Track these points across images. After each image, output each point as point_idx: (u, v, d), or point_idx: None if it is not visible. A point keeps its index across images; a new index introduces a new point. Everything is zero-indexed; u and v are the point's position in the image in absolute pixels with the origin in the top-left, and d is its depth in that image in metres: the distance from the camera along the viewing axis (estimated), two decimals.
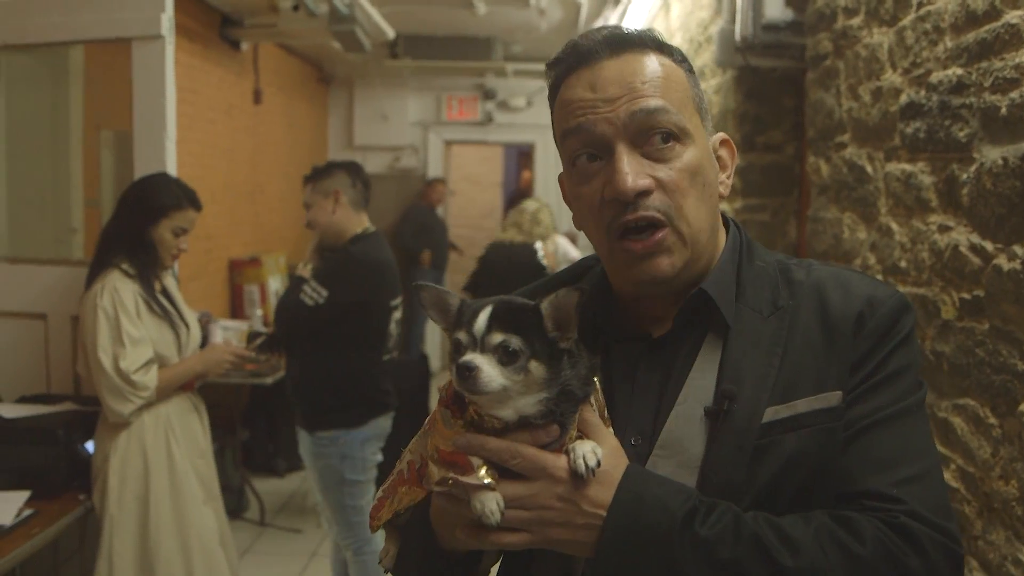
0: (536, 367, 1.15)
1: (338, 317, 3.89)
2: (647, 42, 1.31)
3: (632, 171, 1.24)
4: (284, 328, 4.07)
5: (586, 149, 1.29)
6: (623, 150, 1.25)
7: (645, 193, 1.24)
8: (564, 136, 1.32)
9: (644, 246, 1.26)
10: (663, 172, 1.25)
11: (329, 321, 3.89)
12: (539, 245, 6.14)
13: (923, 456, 1.25)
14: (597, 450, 1.17)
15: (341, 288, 3.87)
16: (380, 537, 4.13)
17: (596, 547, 1.16)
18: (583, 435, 1.20)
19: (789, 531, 1.15)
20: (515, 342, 1.15)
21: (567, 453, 1.18)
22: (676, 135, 1.26)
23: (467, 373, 1.13)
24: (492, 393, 1.14)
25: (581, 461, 1.16)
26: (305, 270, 4.05)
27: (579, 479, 1.16)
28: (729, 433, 1.22)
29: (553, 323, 1.18)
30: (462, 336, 1.17)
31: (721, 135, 1.39)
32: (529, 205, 6.38)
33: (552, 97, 1.37)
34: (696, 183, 1.27)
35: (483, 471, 1.15)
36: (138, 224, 3.46)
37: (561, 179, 1.40)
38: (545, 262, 6.00)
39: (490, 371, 1.13)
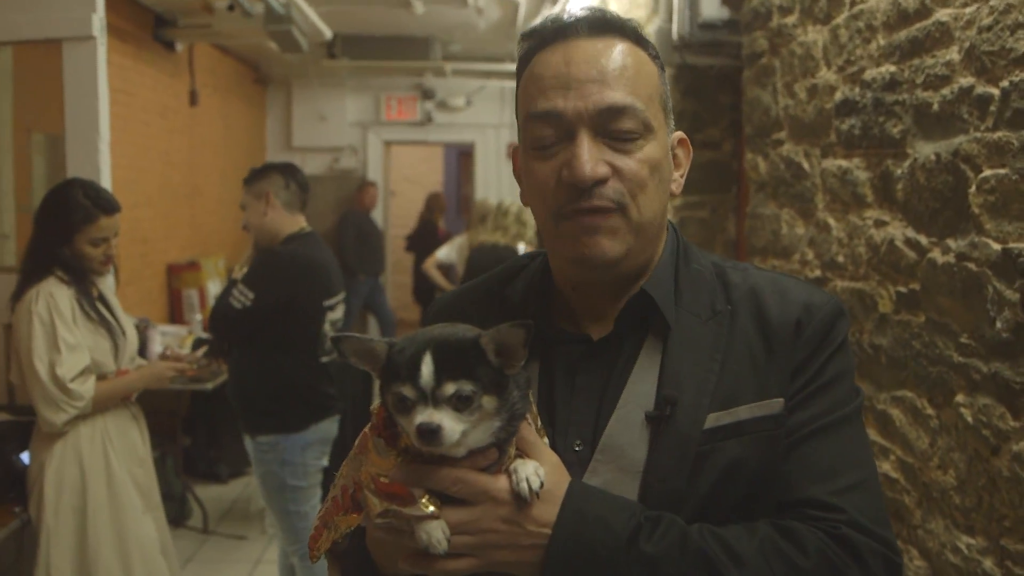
0: (488, 401, 1.12)
1: (266, 319, 3.84)
2: (627, 31, 1.30)
3: (591, 158, 1.22)
4: (217, 332, 4.02)
5: (549, 133, 1.26)
6: (585, 136, 1.23)
7: (601, 181, 1.23)
8: (529, 118, 1.29)
9: (591, 220, 1.24)
10: (622, 162, 1.24)
11: (257, 323, 3.84)
12: (521, 247, 6.14)
13: (861, 465, 1.26)
14: (540, 470, 1.15)
15: (266, 290, 3.83)
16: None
17: (543, 568, 1.15)
18: (521, 452, 1.18)
19: (734, 544, 1.16)
20: (468, 387, 1.10)
21: (508, 474, 1.15)
22: (640, 133, 1.25)
23: (431, 435, 1.08)
24: (454, 443, 1.10)
25: (524, 484, 1.14)
26: (239, 272, 4.01)
27: (522, 501, 1.14)
28: (671, 439, 1.22)
29: (496, 354, 1.14)
30: (407, 391, 1.10)
31: (679, 134, 1.39)
32: (512, 207, 6.35)
33: (521, 69, 1.34)
34: (654, 177, 1.26)
35: (424, 500, 1.13)
36: (54, 241, 3.37)
37: (514, 152, 1.38)
38: None
39: (451, 425, 1.09)
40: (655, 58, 1.33)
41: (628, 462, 1.24)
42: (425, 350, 1.11)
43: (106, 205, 3.41)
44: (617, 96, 1.24)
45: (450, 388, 1.09)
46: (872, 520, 1.20)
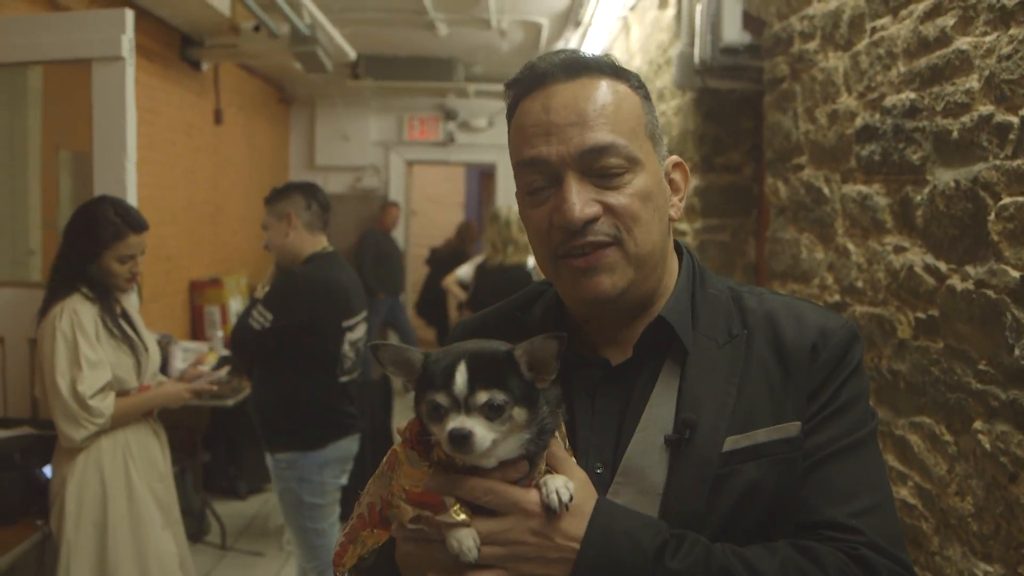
0: (519, 412, 1.15)
1: (284, 340, 3.87)
2: (603, 68, 1.32)
3: (580, 200, 1.25)
4: (237, 352, 4.05)
5: (537, 181, 1.30)
6: (572, 179, 1.26)
7: (592, 221, 1.25)
8: (518, 165, 1.33)
9: (586, 261, 1.26)
10: (612, 198, 1.26)
11: (276, 344, 3.87)
12: (531, 262, 6.09)
13: (878, 488, 1.28)
14: (569, 484, 1.18)
15: (284, 311, 3.85)
16: None
17: None
18: (551, 468, 1.20)
19: (756, 563, 1.18)
20: (500, 397, 1.13)
21: (538, 488, 1.18)
22: (627, 168, 1.27)
23: (462, 441, 1.11)
24: (484, 451, 1.13)
25: (555, 496, 1.16)
26: (261, 292, 4.04)
27: (552, 513, 1.16)
28: (690, 462, 1.24)
29: (528, 366, 1.17)
30: (441, 398, 1.14)
31: (674, 158, 1.40)
32: (510, 216, 6.20)
33: (509, 118, 1.38)
34: (647, 207, 1.28)
35: (455, 508, 1.15)
36: (82, 257, 3.41)
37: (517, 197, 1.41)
38: (537, 278, 5.92)
39: (483, 433, 1.11)
40: (638, 88, 1.34)
41: (648, 484, 1.26)
42: (460, 360, 1.15)
43: (135, 223, 3.47)
44: (598, 136, 1.26)
45: (483, 397, 1.13)
46: (889, 542, 1.22)
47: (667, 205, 1.35)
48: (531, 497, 1.17)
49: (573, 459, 1.25)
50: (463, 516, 1.15)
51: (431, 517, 1.15)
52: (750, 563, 1.18)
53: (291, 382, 3.93)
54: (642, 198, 1.28)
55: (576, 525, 1.17)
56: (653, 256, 1.30)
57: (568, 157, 1.26)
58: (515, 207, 1.46)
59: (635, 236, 1.27)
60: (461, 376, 1.14)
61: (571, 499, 1.17)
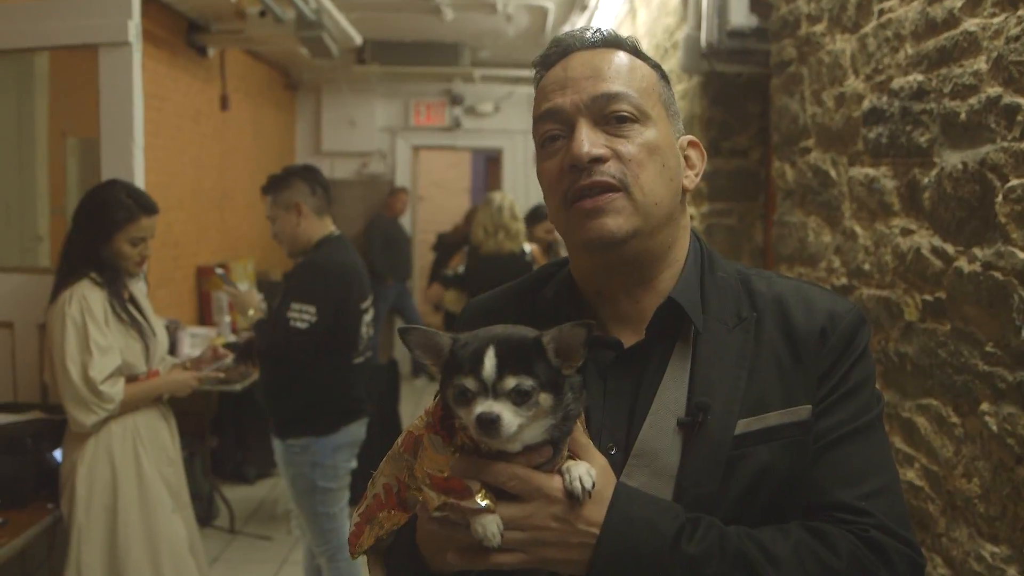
0: (545, 398, 1.16)
1: (328, 328, 3.88)
2: (622, 43, 1.39)
3: (588, 140, 1.29)
4: (287, 358, 3.94)
5: (553, 129, 1.35)
6: (584, 124, 1.31)
7: (600, 160, 1.29)
8: (536, 120, 1.38)
9: (593, 203, 1.29)
10: (621, 145, 1.31)
11: (324, 335, 3.88)
12: (527, 247, 6.10)
13: (885, 470, 1.31)
14: (591, 471, 1.19)
15: (324, 300, 3.86)
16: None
17: (590, 566, 1.19)
18: (573, 455, 1.22)
19: (770, 546, 1.20)
20: (527, 382, 1.14)
21: (561, 474, 1.19)
22: (636, 117, 1.32)
23: (490, 425, 1.12)
24: (511, 435, 1.14)
25: (578, 483, 1.17)
26: (260, 312, 4.07)
27: (574, 499, 1.18)
28: (703, 444, 1.26)
29: (555, 353, 1.19)
30: (469, 383, 1.15)
31: (689, 137, 1.44)
32: (503, 202, 6.18)
33: (536, 88, 1.43)
34: (654, 159, 1.32)
35: (480, 494, 1.16)
36: (93, 240, 3.43)
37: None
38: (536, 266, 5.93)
39: (510, 417, 1.13)
40: (655, 67, 1.40)
41: (662, 466, 1.28)
42: (488, 345, 1.16)
43: (147, 205, 3.51)
44: (610, 85, 1.32)
45: (510, 382, 1.14)
46: (898, 523, 1.26)
47: (679, 171, 1.39)
48: (554, 483, 1.19)
49: (593, 446, 1.27)
50: (487, 502, 1.16)
51: (457, 504, 1.16)
52: (764, 545, 1.20)
53: (312, 366, 3.92)
54: (650, 150, 1.32)
55: (596, 511, 1.19)
56: (660, 209, 1.33)
57: (580, 103, 1.32)
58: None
59: (641, 184, 1.30)
60: (489, 361, 1.14)
61: (593, 485, 1.18)
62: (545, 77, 1.39)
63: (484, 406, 1.13)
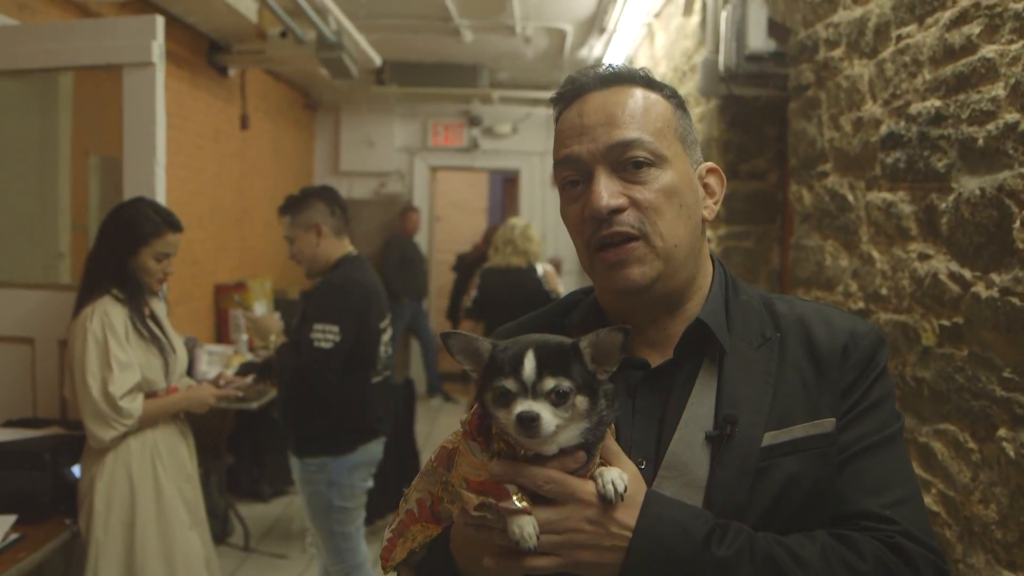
0: (581, 401, 1.20)
1: (354, 345, 3.91)
2: (636, 78, 1.43)
3: (607, 191, 1.34)
4: (313, 379, 3.92)
5: (571, 175, 1.40)
6: (601, 173, 1.36)
7: (618, 211, 1.34)
8: (556, 165, 1.44)
9: (616, 255, 1.35)
10: (639, 193, 1.35)
11: (348, 354, 3.89)
12: (540, 267, 6.13)
13: (908, 480, 1.36)
14: (623, 476, 1.23)
15: (346, 319, 3.88)
16: (368, 562, 4.14)
17: (622, 569, 1.23)
18: (604, 461, 1.26)
19: (798, 550, 1.24)
20: (565, 384, 1.19)
21: (593, 479, 1.23)
22: (651, 161, 1.36)
23: (530, 423, 1.16)
24: (548, 435, 1.18)
25: (611, 487, 1.21)
26: (281, 336, 4.10)
27: (607, 503, 1.22)
28: (732, 456, 1.30)
29: (592, 357, 1.23)
30: (510, 384, 1.19)
31: (709, 164, 1.48)
32: (518, 222, 6.31)
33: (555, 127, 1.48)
34: (672, 203, 1.37)
35: (517, 496, 1.20)
36: (119, 254, 3.47)
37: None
38: (548, 286, 5.98)
39: (548, 417, 1.17)
40: (670, 97, 1.44)
41: (692, 477, 1.32)
42: (528, 348, 1.21)
43: (173, 222, 3.56)
44: (624, 132, 1.36)
45: (549, 383, 1.19)
46: (921, 531, 1.30)
47: (698, 205, 1.43)
48: (588, 488, 1.22)
49: (623, 453, 1.30)
50: (524, 504, 1.19)
51: (495, 504, 1.19)
52: (792, 550, 1.24)
53: (329, 385, 3.93)
54: (667, 194, 1.36)
55: (629, 515, 1.23)
56: (680, 250, 1.38)
57: (597, 152, 1.36)
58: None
59: (659, 230, 1.35)
60: (529, 363, 1.19)
61: (626, 490, 1.22)
62: (561, 120, 1.43)
63: (524, 405, 1.17)
